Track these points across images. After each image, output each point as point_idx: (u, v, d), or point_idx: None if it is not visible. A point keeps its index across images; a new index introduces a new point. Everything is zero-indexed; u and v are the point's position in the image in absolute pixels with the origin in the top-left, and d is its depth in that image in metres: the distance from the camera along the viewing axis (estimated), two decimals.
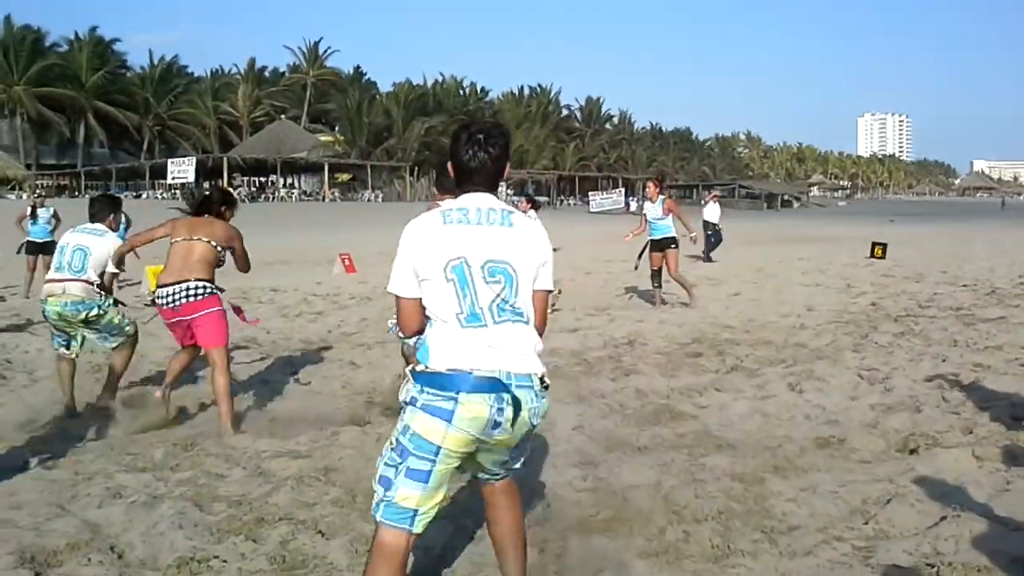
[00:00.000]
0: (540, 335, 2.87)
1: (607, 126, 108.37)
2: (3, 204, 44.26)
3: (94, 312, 6.00)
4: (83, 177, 70.57)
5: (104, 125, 78.15)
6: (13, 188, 61.25)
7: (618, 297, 12.99)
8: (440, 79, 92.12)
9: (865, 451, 5.08)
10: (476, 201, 2.85)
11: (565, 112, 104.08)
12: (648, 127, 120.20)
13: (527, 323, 2.80)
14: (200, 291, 5.63)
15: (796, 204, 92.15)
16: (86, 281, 5.96)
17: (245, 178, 74.00)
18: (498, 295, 2.75)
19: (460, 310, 2.73)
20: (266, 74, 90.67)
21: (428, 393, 2.72)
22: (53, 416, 5.99)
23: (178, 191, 53.14)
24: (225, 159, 64.86)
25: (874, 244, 19.81)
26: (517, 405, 2.70)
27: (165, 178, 62.88)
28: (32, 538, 3.76)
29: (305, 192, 75.45)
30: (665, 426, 5.69)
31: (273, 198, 67.45)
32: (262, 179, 76.93)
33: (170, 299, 5.58)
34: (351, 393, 6.77)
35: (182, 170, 61.03)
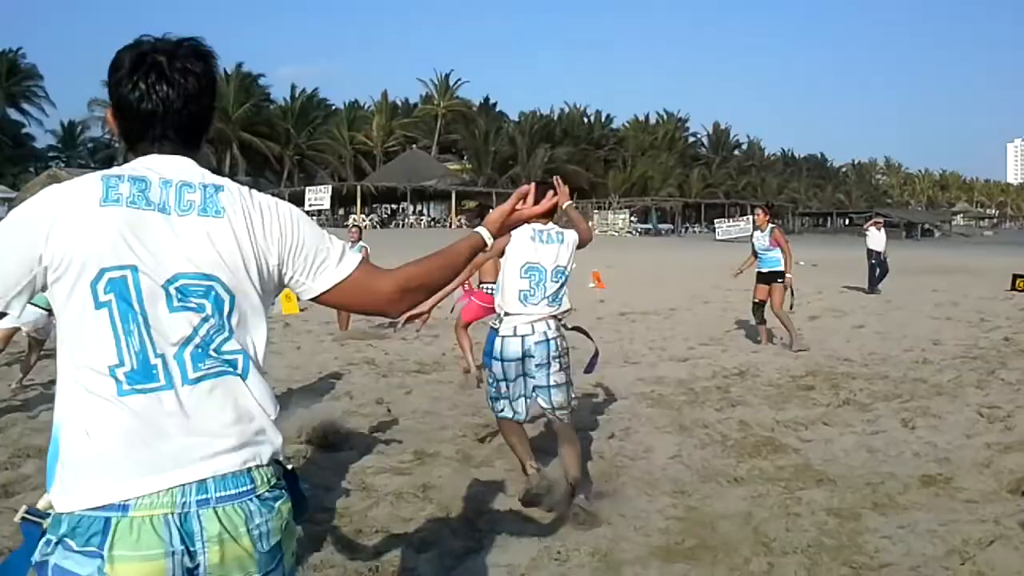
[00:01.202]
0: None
1: (735, 152, 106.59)
2: None
3: None
4: None
5: (247, 155, 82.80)
6: None
7: (735, 327, 12.81)
8: (565, 108, 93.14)
9: (973, 491, 4.90)
10: (162, 167, 1.71)
11: (692, 139, 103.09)
12: (779, 153, 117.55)
13: (244, 375, 1.66)
14: None
15: (937, 233, 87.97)
16: None
17: (376, 205, 76.64)
18: (195, 333, 1.62)
19: (119, 361, 1.57)
20: (399, 105, 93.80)
21: (63, 550, 1.53)
22: None
23: (314, 217, 55.48)
24: (359, 187, 67.38)
25: (1015, 276, 18.75)
26: (220, 538, 1.56)
27: (303, 205, 65.86)
28: None
29: (433, 219, 77.41)
30: (765, 458, 5.64)
31: (403, 224, 69.52)
32: (393, 206, 79.48)
33: None
34: (458, 414, 6.98)
35: (319, 197, 63.87)
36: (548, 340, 4.50)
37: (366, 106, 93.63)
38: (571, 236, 4.74)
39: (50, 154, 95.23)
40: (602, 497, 4.68)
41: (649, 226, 72.05)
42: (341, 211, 72.37)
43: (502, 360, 4.57)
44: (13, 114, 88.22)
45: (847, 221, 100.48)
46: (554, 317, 4.59)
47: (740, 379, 8.52)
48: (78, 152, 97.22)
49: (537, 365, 4.49)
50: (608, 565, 3.83)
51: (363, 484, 5.02)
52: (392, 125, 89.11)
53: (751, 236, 11.69)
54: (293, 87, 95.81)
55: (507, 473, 5.19)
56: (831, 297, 17.49)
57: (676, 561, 3.90)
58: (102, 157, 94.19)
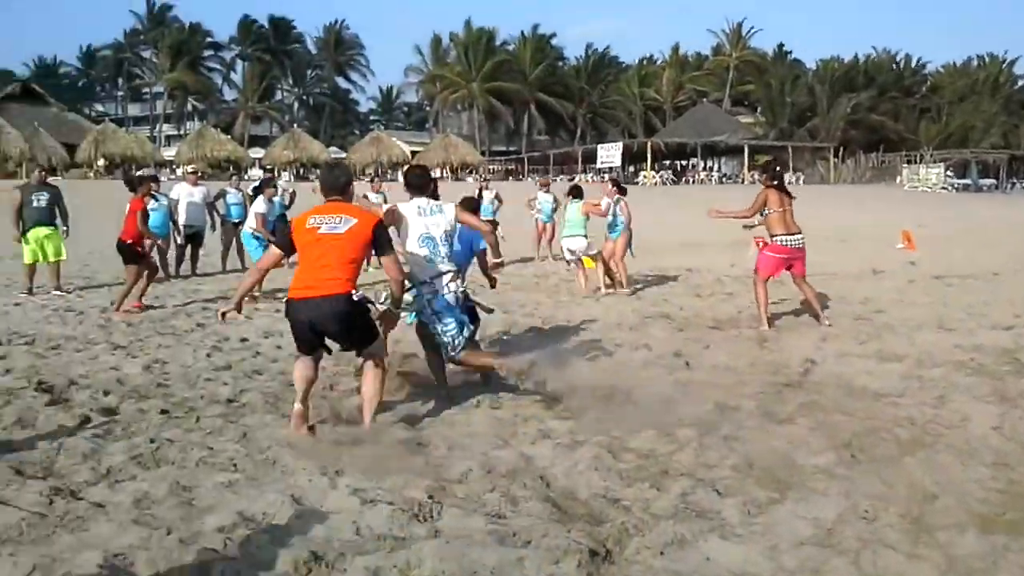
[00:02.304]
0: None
1: None
2: (462, 186, 50.58)
3: None
4: (526, 162, 77.93)
5: (543, 114, 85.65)
6: (471, 172, 69.65)
7: None
8: (872, 53, 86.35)
9: None
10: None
11: (1021, 82, 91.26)
12: None
13: None
14: None
15: None
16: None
17: (667, 162, 76.21)
18: None
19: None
20: (689, 59, 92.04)
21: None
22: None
23: (605, 174, 56.38)
24: (649, 144, 67.32)
25: None
26: None
27: (595, 162, 67.10)
28: (481, 459, 4.64)
29: (724, 175, 75.59)
30: None
31: (693, 181, 68.60)
32: (683, 163, 78.61)
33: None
34: (757, 371, 7.00)
35: (610, 155, 64.86)
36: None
37: (657, 61, 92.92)
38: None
39: (371, 118, 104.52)
40: (892, 461, 4.57)
41: (968, 181, 65.22)
42: (631, 168, 72.82)
43: None
44: (341, 82, 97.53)
45: None
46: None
47: None
48: (395, 116, 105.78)
49: None
50: (920, 527, 3.76)
51: (666, 430, 5.25)
52: (682, 79, 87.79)
53: None
54: (587, 46, 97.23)
55: (811, 432, 5.18)
56: None
57: (995, 532, 3.74)
58: (416, 119, 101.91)
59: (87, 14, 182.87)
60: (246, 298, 5.51)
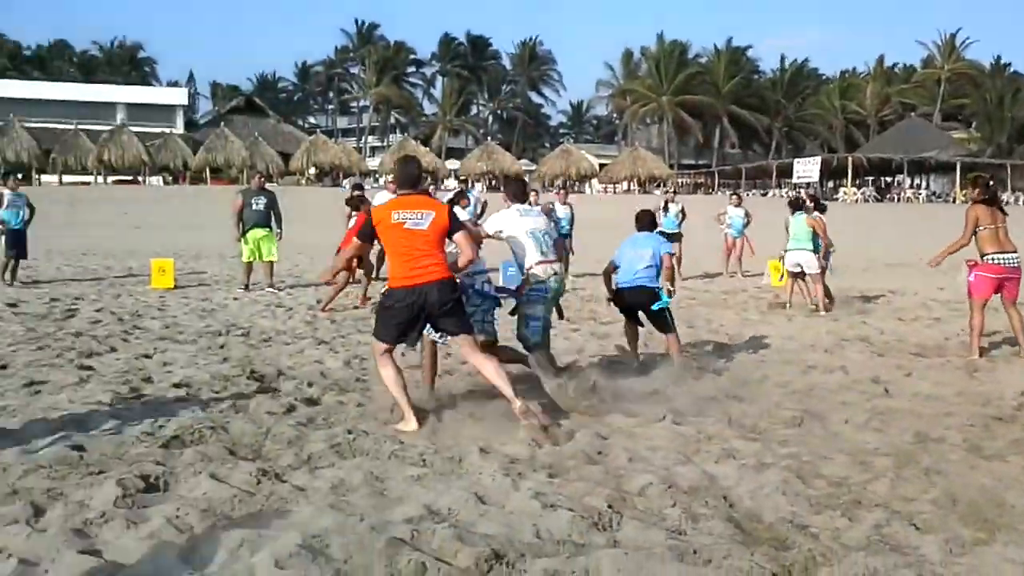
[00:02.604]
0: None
1: None
2: (647, 198, 50.17)
3: None
4: (716, 176, 76.33)
5: (735, 127, 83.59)
6: (658, 185, 69.07)
7: None
8: None
9: None
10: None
11: None
12: None
13: None
14: None
15: None
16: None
17: (869, 178, 72.35)
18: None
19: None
20: (896, 71, 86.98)
21: None
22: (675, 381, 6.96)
23: (801, 190, 54.30)
24: (850, 159, 64.16)
25: None
26: None
27: (790, 177, 64.74)
28: (662, 474, 4.59)
29: (934, 193, 70.80)
30: None
31: (898, 199, 64.71)
32: (887, 179, 74.33)
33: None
34: (965, 401, 6.51)
35: (807, 169, 62.43)
36: None
37: (860, 73, 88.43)
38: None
39: (560, 131, 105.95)
40: None
41: None
42: (830, 183, 69.74)
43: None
44: (533, 97, 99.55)
45: None
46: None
47: None
48: (584, 129, 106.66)
49: None
50: None
51: (860, 458, 4.99)
52: (888, 92, 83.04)
53: None
54: (783, 58, 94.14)
55: (1023, 470, 4.77)
56: None
57: None
58: (605, 132, 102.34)
59: (303, 34, 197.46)
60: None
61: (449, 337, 5.73)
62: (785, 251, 11.74)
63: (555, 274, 6.43)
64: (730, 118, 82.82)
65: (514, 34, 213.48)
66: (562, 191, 16.76)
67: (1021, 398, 6.58)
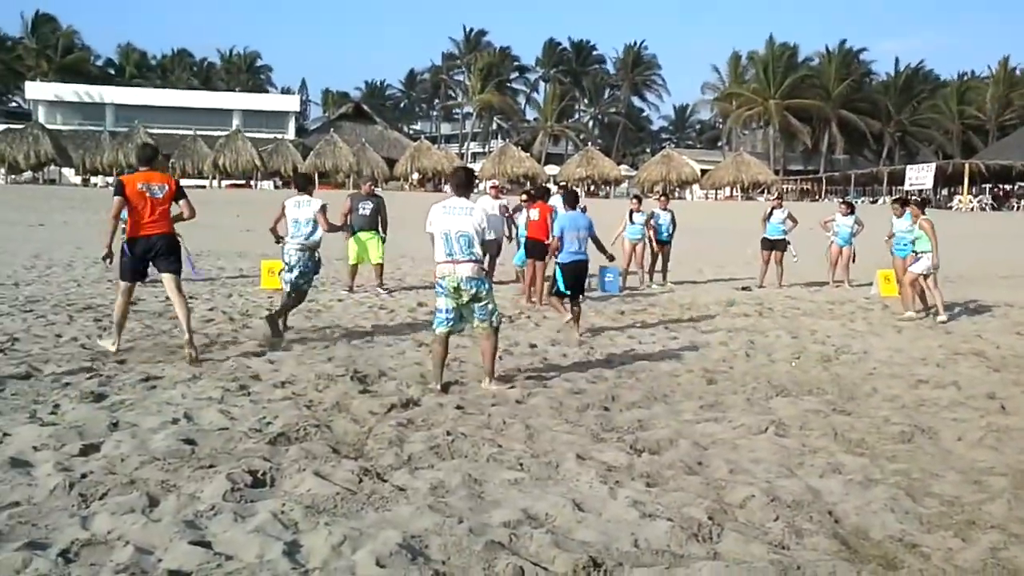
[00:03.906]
0: None
1: None
2: (755, 205, 49.15)
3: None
4: (824, 182, 74.14)
5: (845, 132, 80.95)
6: (762, 191, 67.57)
7: None
8: None
9: None
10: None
11: None
12: None
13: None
14: None
15: None
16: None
17: (986, 186, 69.01)
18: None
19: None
20: (1019, 73, 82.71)
21: None
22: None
23: (913, 196, 52.33)
24: (967, 165, 61.37)
25: None
26: None
27: (902, 184, 62.36)
28: (764, 487, 4.49)
29: None
30: None
31: (1018, 207, 61.49)
32: (1007, 187, 70.75)
33: None
34: None
35: (920, 176, 60.02)
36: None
37: (980, 76, 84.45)
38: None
39: (662, 136, 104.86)
40: None
41: None
42: (945, 191, 66.91)
43: None
44: (635, 101, 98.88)
45: None
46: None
47: None
48: (686, 134, 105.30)
49: None
50: None
51: (975, 478, 4.77)
52: (1011, 96, 79.01)
53: None
54: (897, 61, 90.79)
55: None
56: None
57: None
58: (708, 137, 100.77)
59: (413, 42, 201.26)
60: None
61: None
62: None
63: (452, 275, 6.59)
64: (839, 123, 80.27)
65: (618, 38, 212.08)
66: (663, 197, 16.67)
67: None
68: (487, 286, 6.81)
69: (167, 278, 7.64)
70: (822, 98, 79.07)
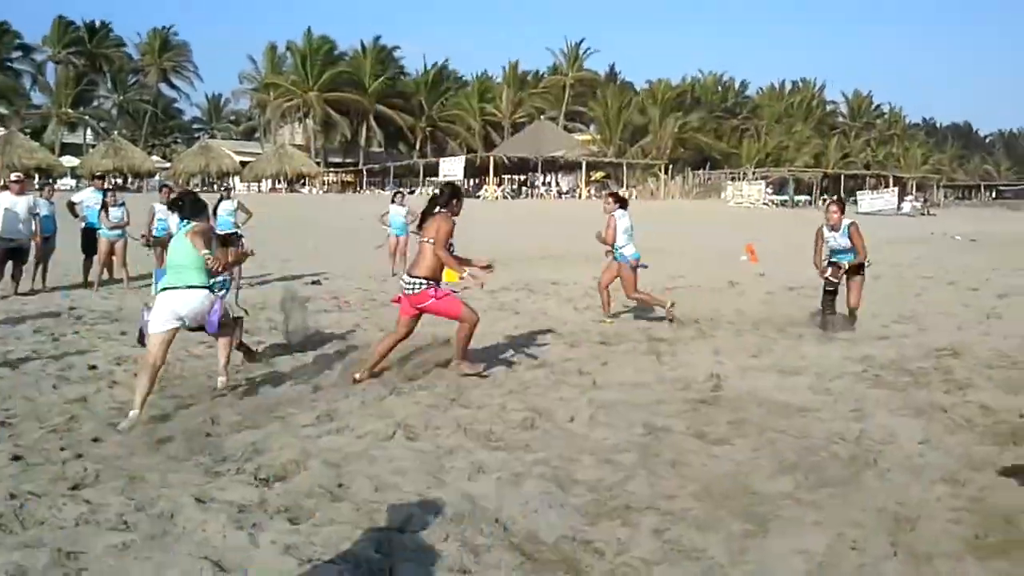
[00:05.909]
0: None
1: (877, 121, 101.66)
2: (300, 198, 48.92)
3: None
4: (364, 174, 76.47)
5: (382, 126, 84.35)
6: (304, 184, 67.68)
7: (920, 304, 12.07)
8: (699, 76, 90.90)
9: None
10: None
11: (830, 107, 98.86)
12: (921, 122, 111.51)
13: None
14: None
15: None
16: None
17: (506, 176, 76.90)
18: None
19: None
20: (527, 76, 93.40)
21: None
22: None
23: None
24: (491, 158, 67.69)
25: None
26: None
27: (436, 175, 66.75)
28: (420, 502, 4.08)
29: (562, 189, 77.05)
30: None
31: (532, 195, 69.49)
32: (521, 177, 79.53)
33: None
34: (668, 387, 6.76)
35: (452, 168, 64.72)
36: None
37: (495, 78, 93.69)
38: None
39: (195, 126, 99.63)
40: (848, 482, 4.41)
41: (785, 198, 69.42)
42: (473, 181, 73.01)
43: None
44: (164, 89, 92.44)
45: (993, 194, 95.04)
46: None
47: (957, 359, 7.95)
48: (223, 124, 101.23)
49: None
50: (916, 558, 3.55)
51: (605, 457, 4.86)
52: (521, 96, 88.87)
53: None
54: (424, 58, 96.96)
55: (755, 453, 4.94)
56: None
57: (990, 558, 3.57)
58: (246, 128, 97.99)
59: None
60: None
61: None
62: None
63: None
64: (376, 116, 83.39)
65: (143, 23, 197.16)
66: (225, 189, 15.69)
67: (714, 379, 6.98)
68: None
69: None
70: (360, 92, 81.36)
